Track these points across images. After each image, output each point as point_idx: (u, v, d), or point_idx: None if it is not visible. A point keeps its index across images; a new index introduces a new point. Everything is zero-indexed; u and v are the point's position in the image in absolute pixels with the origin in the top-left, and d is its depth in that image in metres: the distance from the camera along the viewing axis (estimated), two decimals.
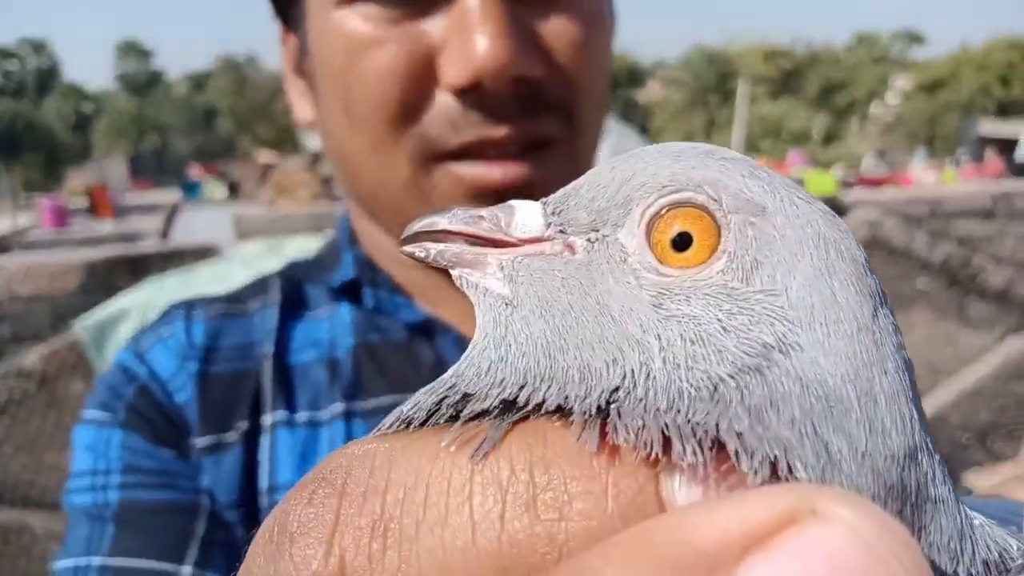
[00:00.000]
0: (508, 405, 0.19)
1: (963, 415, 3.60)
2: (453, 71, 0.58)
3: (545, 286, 0.21)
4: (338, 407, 0.64)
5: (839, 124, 36.17)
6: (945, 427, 3.56)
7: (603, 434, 0.17)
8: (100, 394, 0.65)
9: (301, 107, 0.73)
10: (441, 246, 0.23)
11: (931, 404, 3.56)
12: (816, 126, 34.68)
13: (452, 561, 0.17)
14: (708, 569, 0.14)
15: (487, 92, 0.58)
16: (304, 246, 1.86)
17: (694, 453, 0.17)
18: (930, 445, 0.20)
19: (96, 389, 0.66)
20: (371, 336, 0.68)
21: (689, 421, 0.17)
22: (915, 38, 44.60)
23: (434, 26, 0.59)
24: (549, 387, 0.19)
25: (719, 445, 0.17)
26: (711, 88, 37.10)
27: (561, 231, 0.22)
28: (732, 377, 0.18)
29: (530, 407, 0.19)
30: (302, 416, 0.64)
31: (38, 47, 47.66)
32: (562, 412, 0.18)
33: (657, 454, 0.17)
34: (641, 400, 0.18)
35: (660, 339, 0.19)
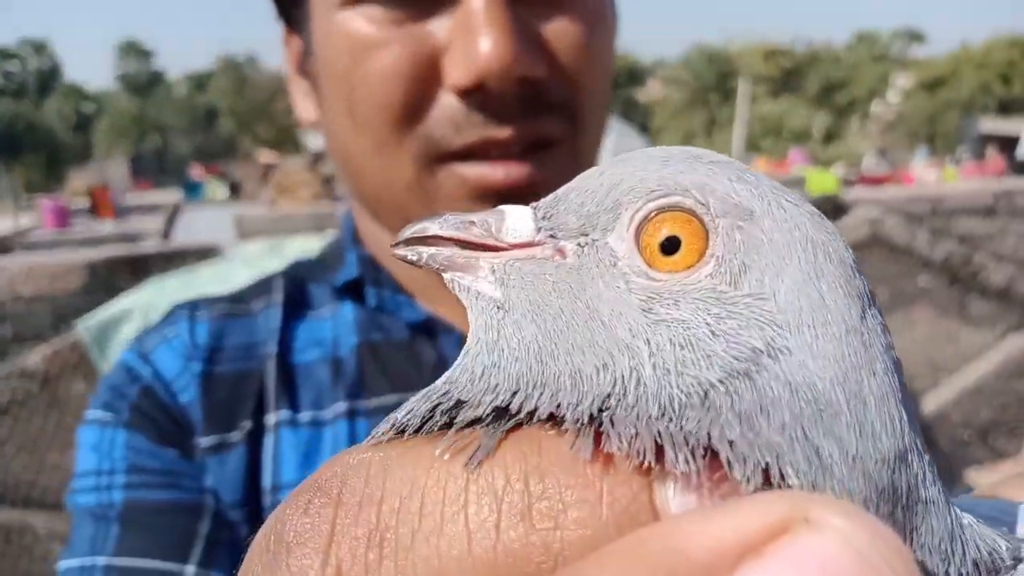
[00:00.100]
0: (501, 412, 0.19)
1: (964, 413, 3.60)
2: (457, 72, 0.58)
3: (536, 290, 0.21)
4: (341, 406, 0.65)
5: (840, 123, 36.14)
6: (947, 425, 3.56)
7: (596, 442, 0.18)
8: (104, 394, 0.65)
9: (304, 107, 0.73)
10: (432, 250, 0.23)
11: (932, 402, 3.56)
12: (817, 125, 34.65)
13: (448, 570, 0.17)
14: None
15: (491, 93, 0.58)
16: (305, 246, 1.87)
17: (686, 461, 0.17)
18: (920, 445, 0.20)
19: (100, 389, 0.67)
20: (374, 335, 0.68)
21: (681, 429, 0.18)
22: (915, 36, 44.55)
23: (438, 27, 0.59)
24: (541, 394, 0.19)
25: (711, 453, 0.17)
26: (711, 87, 37.07)
27: (552, 235, 0.22)
28: (722, 382, 0.18)
29: (523, 415, 0.19)
30: (305, 415, 0.64)
31: (39, 48, 47.67)
32: (555, 420, 0.18)
33: (650, 463, 0.17)
34: (633, 407, 0.18)
35: (649, 344, 0.19)
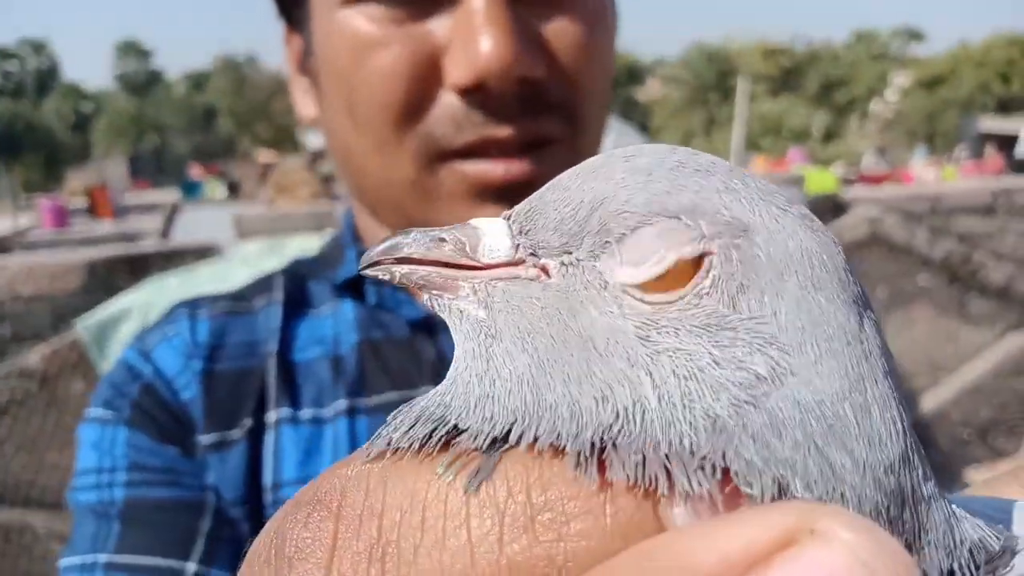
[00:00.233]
0: (500, 441, 0.19)
1: (964, 412, 3.60)
2: (457, 71, 0.58)
3: (525, 316, 0.20)
4: (342, 404, 0.65)
5: (839, 121, 36.14)
6: (946, 424, 3.56)
7: (600, 470, 0.17)
8: (105, 392, 0.66)
9: (304, 105, 0.73)
10: (406, 268, 0.22)
11: (932, 401, 3.56)
12: (816, 123, 34.66)
13: None
14: None
15: (491, 92, 0.58)
16: (305, 245, 1.87)
17: (700, 483, 0.17)
18: (916, 441, 0.20)
19: (101, 387, 0.67)
20: (374, 333, 0.68)
21: (694, 454, 0.17)
22: (914, 35, 44.56)
23: (438, 27, 0.59)
24: (539, 425, 0.19)
25: (723, 472, 0.17)
26: (711, 86, 37.07)
27: (532, 254, 0.21)
28: (730, 413, 0.18)
29: (523, 446, 0.18)
30: (306, 413, 0.65)
31: (37, 47, 47.63)
32: (555, 449, 0.18)
33: (658, 488, 0.17)
34: (638, 436, 0.18)
35: (652, 376, 0.19)
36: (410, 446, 0.19)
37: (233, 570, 0.59)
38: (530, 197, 0.22)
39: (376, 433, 0.20)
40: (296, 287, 0.72)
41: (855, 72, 38.47)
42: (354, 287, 0.71)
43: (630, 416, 0.18)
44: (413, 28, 0.60)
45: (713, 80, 37.03)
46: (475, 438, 0.19)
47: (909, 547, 0.19)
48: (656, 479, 0.17)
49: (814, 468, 0.18)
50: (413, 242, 0.22)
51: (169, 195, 10.69)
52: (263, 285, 0.73)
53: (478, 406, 0.20)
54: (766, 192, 0.21)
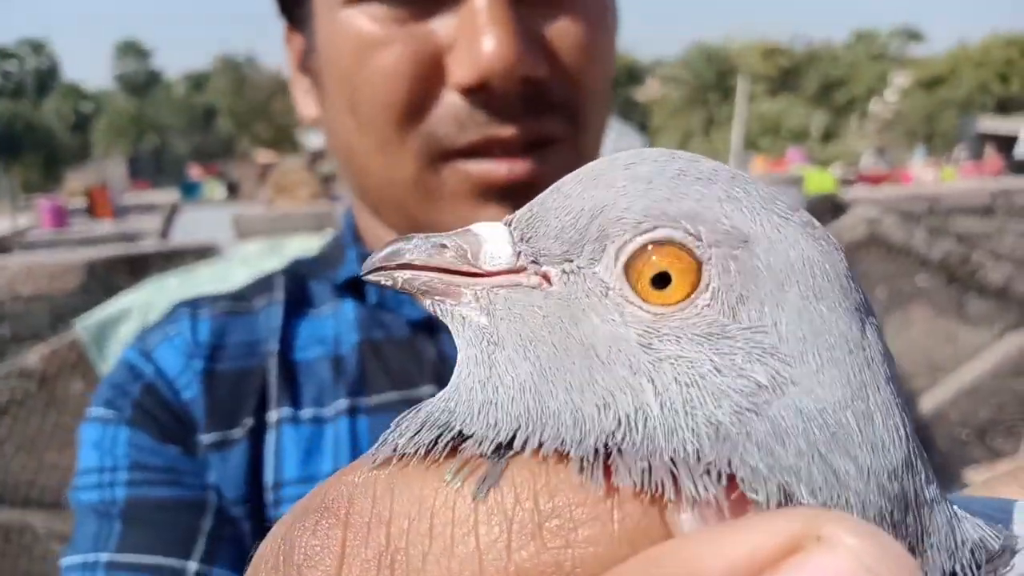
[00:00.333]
0: (505, 448, 0.19)
1: (962, 412, 3.60)
2: (461, 71, 0.59)
3: (527, 324, 0.20)
4: (343, 403, 0.65)
5: (838, 121, 36.14)
6: (944, 424, 3.56)
7: (606, 476, 0.17)
8: (106, 392, 0.66)
9: (306, 105, 0.73)
10: (408, 274, 0.22)
11: (930, 401, 3.55)
12: (815, 123, 34.65)
13: None
14: None
15: (494, 92, 0.59)
16: (304, 245, 1.86)
17: (706, 489, 0.17)
18: (918, 446, 0.20)
19: (102, 387, 0.67)
20: (375, 333, 0.69)
21: (699, 460, 0.18)
22: (914, 35, 44.56)
23: (441, 26, 0.60)
24: (543, 431, 0.19)
25: (729, 479, 0.17)
26: (710, 86, 37.06)
27: (533, 261, 0.21)
28: (733, 420, 0.18)
29: (527, 452, 0.18)
30: (307, 412, 0.65)
31: (37, 47, 47.59)
32: (560, 455, 0.18)
33: (664, 494, 0.17)
34: (642, 443, 0.18)
35: (654, 383, 0.19)
36: (416, 452, 0.19)
37: (234, 569, 0.60)
38: (530, 203, 0.22)
39: (381, 439, 0.20)
40: (297, 287, 0.72)
41: (854, 72, 38.47)
42: (355, 287, 0.71)
43: (632, 423, 0.18)
44: (416, 28, 0.60)
45: (712, 80, 37.02)
46: (480, 444, 0.19)
47: (912, 550, 0.19)
48: (662, 485, 0.17)
49: (818, 475, 0.18)
50: (415, 248, 0.22)
51: (168, 195, 10.69)
52: (263, 285, 0.73)
53: (482, 412, 0.20)
54: (768, 201, 0.21)
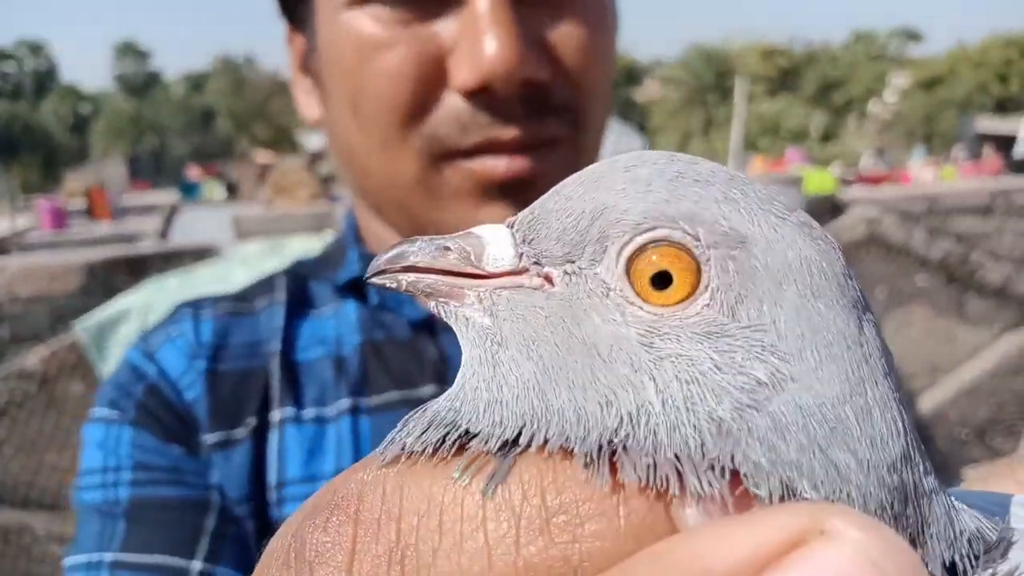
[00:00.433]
0: (511, 444, 0.19)
1: (962, 412, 3.60)
2: (463, 73, 0.59)
3: (530, 324, 0.21)
4: (345, 403, 0.65)
5: (837, 122, 36.17)
6: (944, 424, 3.56)
7: (612, 472, 0.18)
8: (109, 392, 0.66)
9: (307, 105, 0.74)
10: (412, 277, 0.22)
11: (930, 401, 3.56)
12: (814, 124, 34.68)
13: None
14: None
15: (496, 95, 0.59)
16: (304, 246, 1.87)
17: (710, 484, 0.17)
18: (916, 438, 0.21)
19: (105, 387, 0.67)
20: (376, 333, 0.69)
21: (704, 456, 0.18)
22: (913, 36, 44.60)
23: (443, 28, 0.60)
24: (548, 428, 0.19)
25: (732, 474, 0.18)
26: (709, 87, 37.09)
27: (535, 262, 0.22)
28: (734, 416, 0.18)
29: (533, 448, 0.19)
30: (309, 412, 0.65)
31: (35, 48, 47.59)
32: (565, 451, 0.19)
33: (669, 489, 0.17)
34: (646, 439, 0.18)
35: (656, 381, 0.19)
36: (424, 450, 0.19)
37: (238, 568, 0.60)
38: (532, 205, 0.23)
39: (388, 438, 0.21)
40: (298, 287, 0.73)
41: (853, 73, 38.50)
42: (356, 288, 0.71)
43: (635, 420, 0.19)
44: (419, 29, 0.60)
45: (711, 81, 37.05)
46: (486, 442, 0.19)
47: (913, 541, 0.19)
48: (667, 480, 0.17)
49: (820, 469, 0.18)
50: (419, 251, 0.22)
51: (168, 196, 10.69)
52: (265, 286, 0.74)
53: (487, 411, 0.20)
54: (765, 201, 0.21)
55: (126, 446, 0.63)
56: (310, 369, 0.67)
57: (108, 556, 0.58)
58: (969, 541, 0.20)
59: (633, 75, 41.54)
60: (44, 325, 2.60)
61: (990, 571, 0.19)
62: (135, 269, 2.69)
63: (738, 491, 0.18)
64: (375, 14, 0.61)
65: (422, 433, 0.20)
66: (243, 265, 1.68)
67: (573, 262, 0.21)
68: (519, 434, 0.19)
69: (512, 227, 0.23)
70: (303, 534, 0.19)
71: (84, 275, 2.66)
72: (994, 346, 3.73)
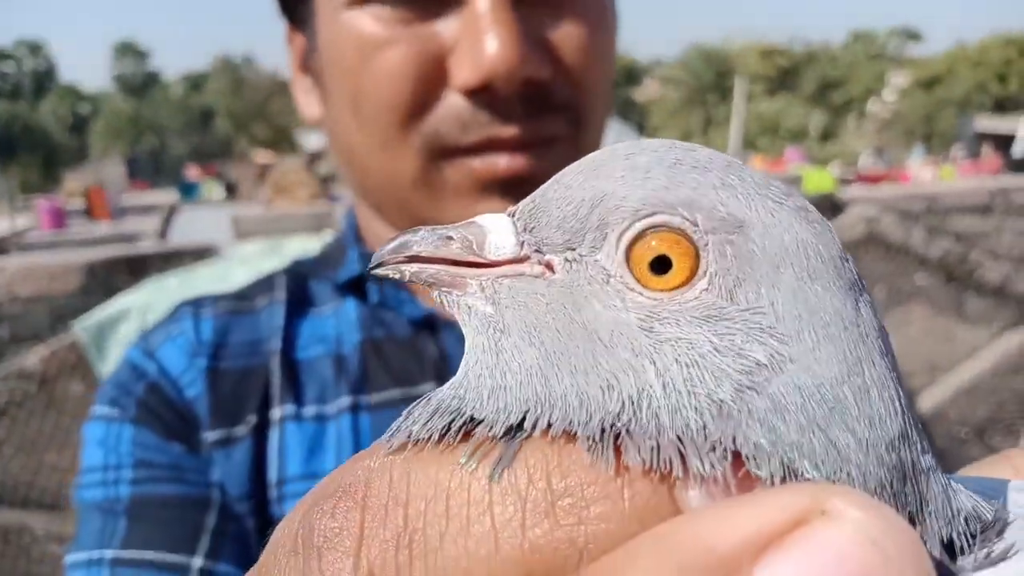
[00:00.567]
0: (516, 429, 0.19)
1: (961, 411, 3.60)
2: (464, 72, 0.59)
3: (531, 311, 0.21)
4: (345, 401, 0.65)
5: (836, 121, 36.17)
6: (943, 423, 3.57)
7: (616, 455, 0.18)
8: (110, 390, 0.66)
9: (307, 104, 0.74)
10: (415, 267, 0.23)
11: (929, 400, 3.56)
12: (813, 123, 34.68)
13: (476, 569, 0.17)
14: (728, 571, 0.15)
15: (497, 93, 0.59)
16: (303, 245, 1.87)
17: (712, 466, 0.18)
18: (913, 416, 0.21)
19: (106, 386, 0.67)
20: (376, 332, 0.69)
21: (706, 438, 0.18)
22: (912, 35, 44.61)
23: (444, 28, 0.60)
24: (552, 413, 0.19)
25: (734, 456, 0.18)
26: (708, 86, 37.08)
27: (536, 250, 0.22)
28: (734, 397, 0.19)
29: (537, 432, 0.19)
30: (310, 410, 0.65)
31: (34, 48, 47.57)
32: (569, 435, 0.19)
33: (672, 471, 0.18)
34: (649, 423, 0.19)
35: (656, 364, 0.19)
36: (430, 437, 0.20)
37: (238, 565, 0.60)
38: (533, 194, 0.23)
39: (394, 426, 0.21)
40: (298, 286, 0.73)
41: (852, 72, 38.50)
42: (356, 286, 0.71)
43: (636, 403, 0.19)
44: (420, 29, 0.61)
45: (711, 80, 37.04)
46: (491, 428, 0.19)
47: (912, 519, 0.20)
48: (671, 463, 0.18)
49: (820, 449, 0.19)
50: (421, 240, 0.22)
51: (167, 196, 10.68)
52: (265, 285, 0.74)
53: (491, 397, 0.20)
54: (762, 186, 0.21)
55: (127, 444, 0.63)
56: (310, 367, 0.67)
57: (109, 553, 0.58)
58: (966, 520, 0.20)
59: (633, 75, 41.54)
60: (44, 325, 2.60)
61: (986, 550, 0.20)
62: (134, 269, 2.69)
63: (740, 473, 0.18)
64: (376, 13, 0.61)
65: (427, 421, 0.20)
66: (242, 265, 1.68)
67: (574, 249, 0.21)
68: (523, 419, 0.19)
69: (513, 216, 0.23)
70: (311, 520, 0.19)
71: (83, 275, 2.66)
72: (993, 345, 3.73)
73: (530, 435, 0.19)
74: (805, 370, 0.19)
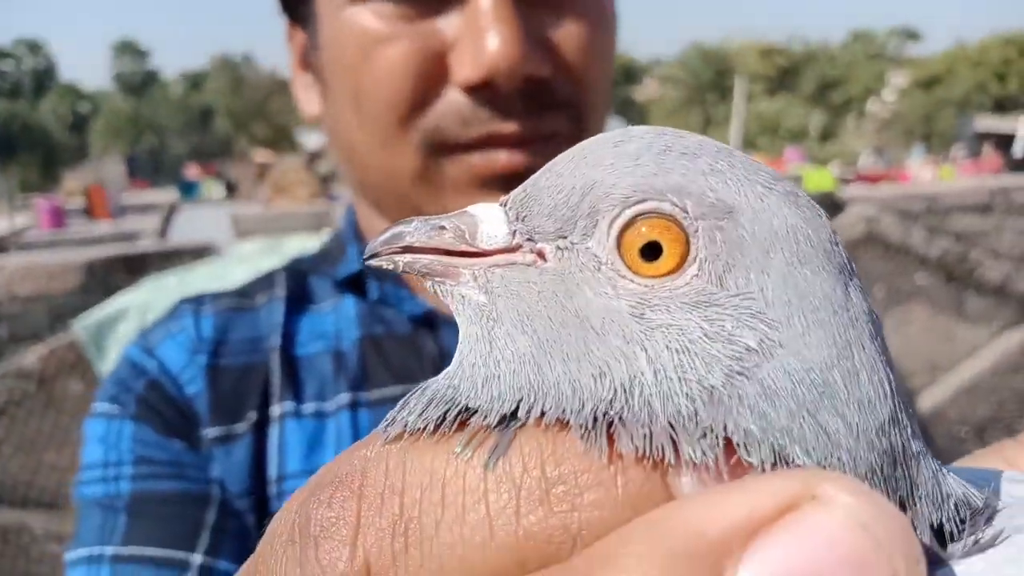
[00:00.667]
0: (510, 418, 0.19)
1: (961, 410, 3.61)
2: (466, 69, 0.59)
3: (523, 300, 0.21)
4: (344, 398, 0.66)
5: (836, 121, 36.19)
6: (943, 422, 3.57)
7: (610, 442, 0.18)
8: (110, 388, 0.66)
9: (307, 101, 0.74)
10: (409, 257, 0.23)
11: (929, 399, 3.56)
12: (813, 123, 34.71)
13: (472, 556, 0.17)
14: (718, 556, 0.15)
15: (498, 90, 0.60)
16: (302, 245, 1.86)
17: (703, 452, 0.18)
18: (903, 400, 0.21)
19: (106, 383, 0.68)
20: (376, 329, 0.69)
21: (697, 425, 0.18)
22: (911, 35, 44.64)
23: (446, 25, 0.61)
24: (545, 401, 0.19)
25: (726, 442, 0.18)
26: (708, 86, 37.11)
27: (528, 239, 0.22)
28: (724, 383, 0.19)
29: (531, 421, 0.19)
30: (309, 407, 0.65)
31: (34, 47, 47.58)
32: (562, 423, 0.19)
33: (665, 458, 0.18)
34: (640, 411, 0.19)
35: (647, 351, 0.19)
36: (425, 427, 0.20)
37: (238, 561, 0.60)
38: (524, 183, 0.23)
39: (389, 417, 0.21)
40: (298, 283, 0.73)
41: (852, 72, 38.52)
42: (355, 283, 0.71)
43: (628, 390, 0.19)
44: (421, 25, 0.61)
45: (710, 80, 37.07)
46: (485, 417, 0.20)
47: (903, 503, 0.20)
48: (663, 450, 0.18)
49: (810, 434, 0.19)
50: (415, 231, 0.23)
51: (166, 195, 10.69)
52: (265, 282, 0.74)
53: (485, 386, 0.20)
54: (752, 171, 0.21)
55: (127, 440, 0.63)
56: (310, 364, 0.67)
57: (109, 550, 0.59)
58: (955, 506, 0.20)
59: (632, 74, 41.57)
60: (43, 324, 2.60)
61: (975, 536, 0.20)
62: (134, 268, 2.68)
63: (732, 459, 0.18)
64: (377, 10, 0.61)
65: (423, 411, 0.20)
66: (242, 263, 1.68)
67: (565, 237, 0.21)
68: (517, 408, 0.19)
69: (506, 205, 0.23)
70: (307, 510, 0.19)
71: (83, 274, 2.66)
72: (993, 344, 3.73)
73: (524, 424, 0.19)
74: (795, 355, 0.19)
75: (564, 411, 0.19)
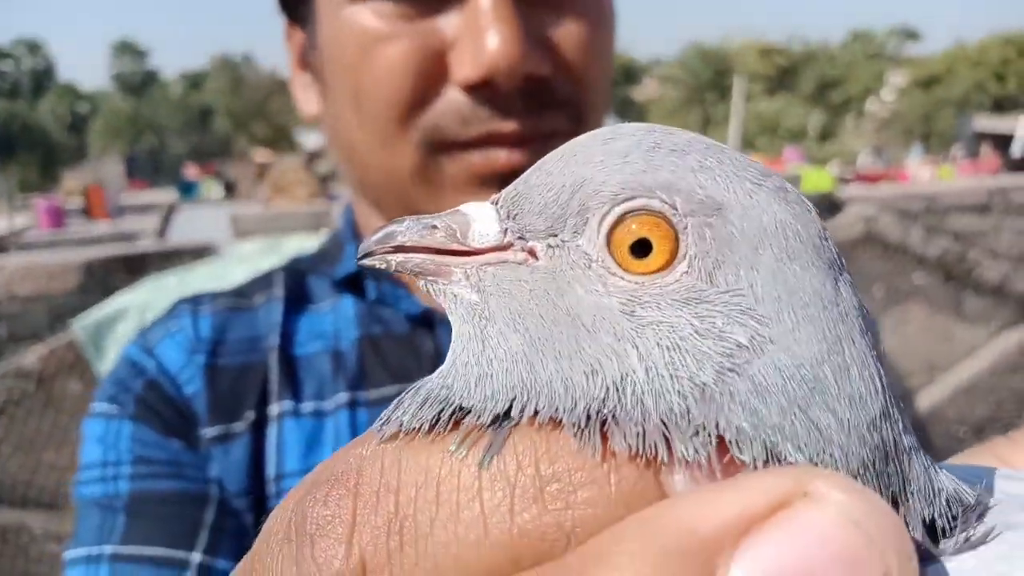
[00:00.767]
0: (503, 417, 0.20)
1: (959, 410, 3.60)
2: (465, 67, 0.60)
3: (515, 298, 0.21)
4: (343, 397, 0.66)
5: (835, 121, 36.17)
6: (941, 422, 3.57)
7: (603, 440, 0.18)
8: (108, 388, 0.67)
9: (306, 100, 0.74)
10: (401, 257, 0.23)
11: (927, 399, 3.56)
12: (812, 123, 34.68)
13: (466, 554, 0.17)
14: (710, 553, 0.15)
15: (498, 89, 0.60)
16: (302, 244, 1.86)
17: (696, 451, 0.18)
18: (895, 395, 0.21)
19: (105, 383, 0.68)
20: (374, 328, 0.69)
21: (689, 422, 0.18)
22: (910, 35, 44.62)
23: (445, 24, 0.61)
24: (537, 400, 0.19)
25: (718, 440, 0.18)
26: (707, 85, 37.09)
27: (520, 237, 0.22)
28: (716, 380, 0.19)
29: (524, 419, 0.19)
30: (308, 406, 0.66)
31: (33, 47, 47.52)
32: (555, 422, 0.19)
33: (658, 456, 0.18)
34: (633, 409, 0.19)
35: (638, 348, 0.19)
36: (420, 427, 0.20)
37: (237, 560, 0.60)
38: (515, 181, 0.23)
39: (385, 415, 0.21)
40: (296, 283, 0.73)
41: (851, 71, 38.51)
42: (354, 283, 0.72)
43: (620, 388, 0.19)
44: (421, 24, 0.61)
45: (709, 80, 37.05)
46: (479, 416, 0.20)
47: (895, 498, 0.20)
48: (656, 448, 0.18)
49: (802, 431, 0.19)
50: (407, 230, 0.23)
51: (166, 195, 10.67)
52: (263, 282, 0.74)
53: (478, 385, 0.20)
54: (741, 168, 0.21)
55: (126, 440, 0.63)
56: (308, 363, 0.68)
57: (108, 549, 0.59)
58: (947, 501, 0.20)
59: (631, 74, 41.54)
60: (42, 324, 2.59)
61: (967, 533, 0.20)
62: (133, 268, 2.68)
63: (725, 457, 0.18)
64: (377, 9, 0.62)
65: (418, 410, 0.20)
66: (241, 263, 1.68)
67: (556, 235, 0.21)
68: (510, 406, 0.20)
69: (497, 203, 0.23)
70: (303, 508, 0.19)
71: (82, 274, 2.65)
72: (992, 344, 3.73)
73: (518, 422, 0.19)
74: (785, 351, 0.19)
75: (557, 410, 0.19)
